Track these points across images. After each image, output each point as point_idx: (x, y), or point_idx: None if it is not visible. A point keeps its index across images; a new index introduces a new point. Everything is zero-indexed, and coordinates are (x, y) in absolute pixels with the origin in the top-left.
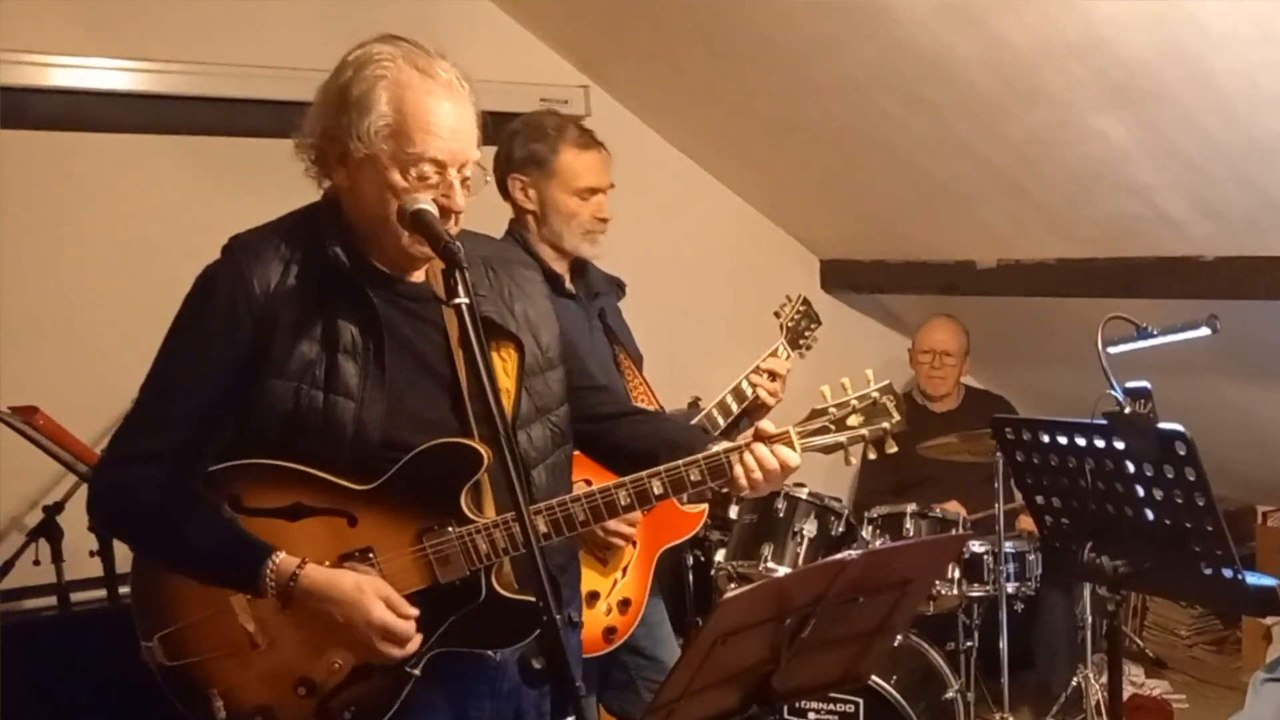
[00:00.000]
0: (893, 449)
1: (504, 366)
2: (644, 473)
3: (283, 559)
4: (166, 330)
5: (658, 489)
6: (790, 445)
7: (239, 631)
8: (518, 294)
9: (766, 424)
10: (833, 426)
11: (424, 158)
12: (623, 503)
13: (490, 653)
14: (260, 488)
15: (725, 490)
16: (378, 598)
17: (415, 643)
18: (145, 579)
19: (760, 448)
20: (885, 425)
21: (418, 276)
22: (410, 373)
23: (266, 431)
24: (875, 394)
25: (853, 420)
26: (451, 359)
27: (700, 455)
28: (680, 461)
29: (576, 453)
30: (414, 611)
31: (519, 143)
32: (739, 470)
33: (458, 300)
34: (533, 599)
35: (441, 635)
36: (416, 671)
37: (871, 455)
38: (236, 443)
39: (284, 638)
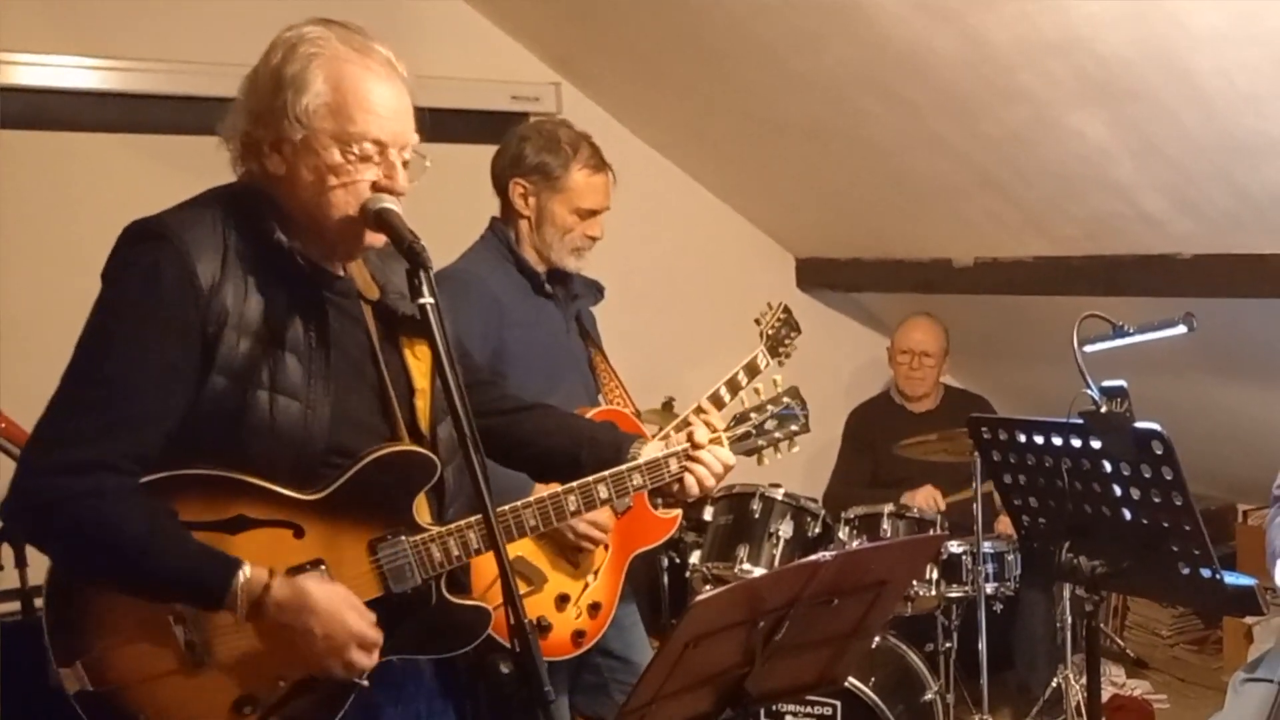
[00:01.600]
0: (796, 449)
1: (418, 366)
2: (590, 478)
3: (253, 571)
4: (97, 318)
5: (604, 493)
6: (722, 446)
7: (175, 651)
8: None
9: (700, 432)
10: (754, 431)
11: (365, 137)
12: (571, 508)
13: (394, 660)
14: (198, 500)
15: (671, 496)
16: (349, 606)
17: (375, 657)
18: (67, 598)
19: (704, 454)
20: (794, 429)
21: (339, 269)
22: (344, 371)
23: (204, 432)
24: (786, 399)
25: (769, 425)
26: (375, 358)
27: (643, 461)
28: (625, 467)
29: None
30: (373, 616)
31: (529, 149)
32: (690, 480)
33: (423, 300)
34: (481, 604)
35: (393, 644)
36: (365, 682)
37: (779, 456)
38: (172, 446)
39: (224, 656)
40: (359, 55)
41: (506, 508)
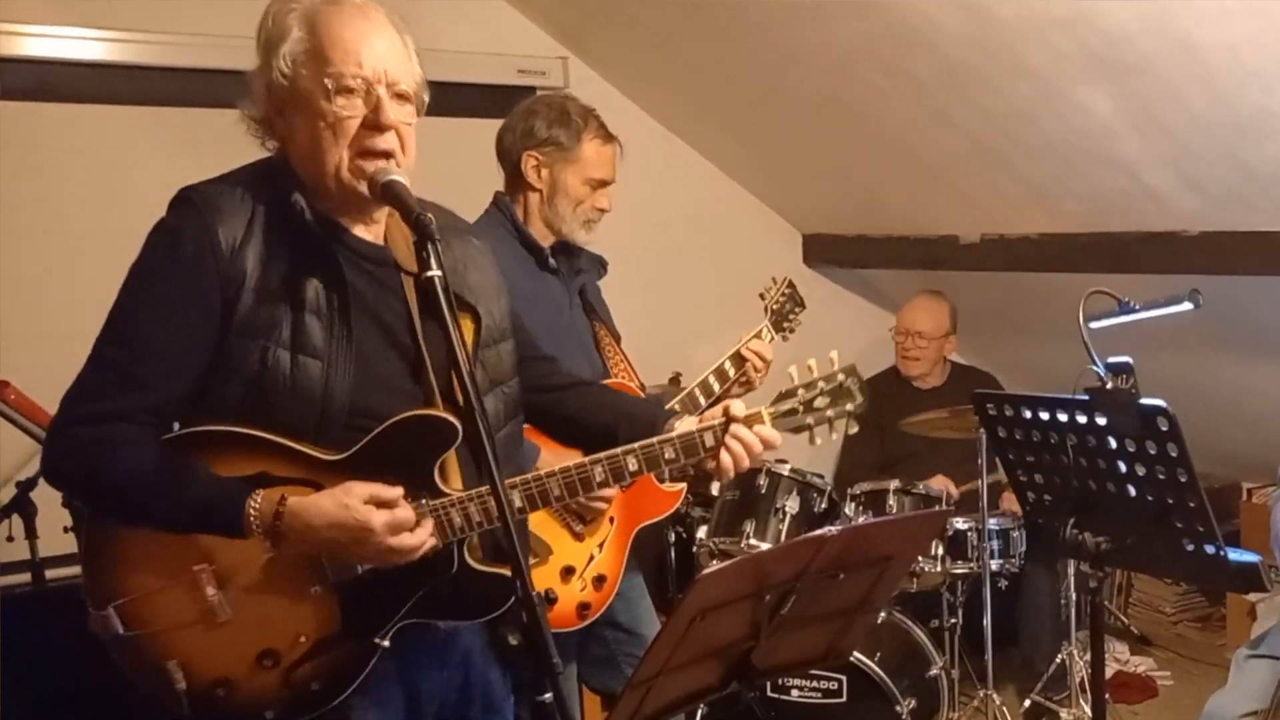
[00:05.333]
0: (854, 429)
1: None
2: (619, 449)
3: (264, 494)
4: (124, 282)
5: (633, 465)
6: (762, 423)
7: (201, 601)
8: (470, 264)
9: (738, 405)
10: (801, 408)
11: (344, 73)
12: (598, 479)
13: (439, 624)
14: (224, 456)
15: (702, 471)
16: (363, 502)
17: (426, 529)
18: (101, 545)
19: (743, 431)
20: (849, 408)
21: (376, 236)
22: (375, 337)
23: (228, 393)
24: (840, 376)
25: (819, 403)
26: (413, 329)
27: (676, 435)
28: (655, 439)
29: None
30: (400, 491)
31: (540, 122)
32: (726, 460)
33: (431, 273)
34: (504, 571)
35: (412, 607)
36: (385, 643)
37: (834, 436)
38: (199, 404)
39: (247, 609)
40: (333, 3)
41: (530, 476)
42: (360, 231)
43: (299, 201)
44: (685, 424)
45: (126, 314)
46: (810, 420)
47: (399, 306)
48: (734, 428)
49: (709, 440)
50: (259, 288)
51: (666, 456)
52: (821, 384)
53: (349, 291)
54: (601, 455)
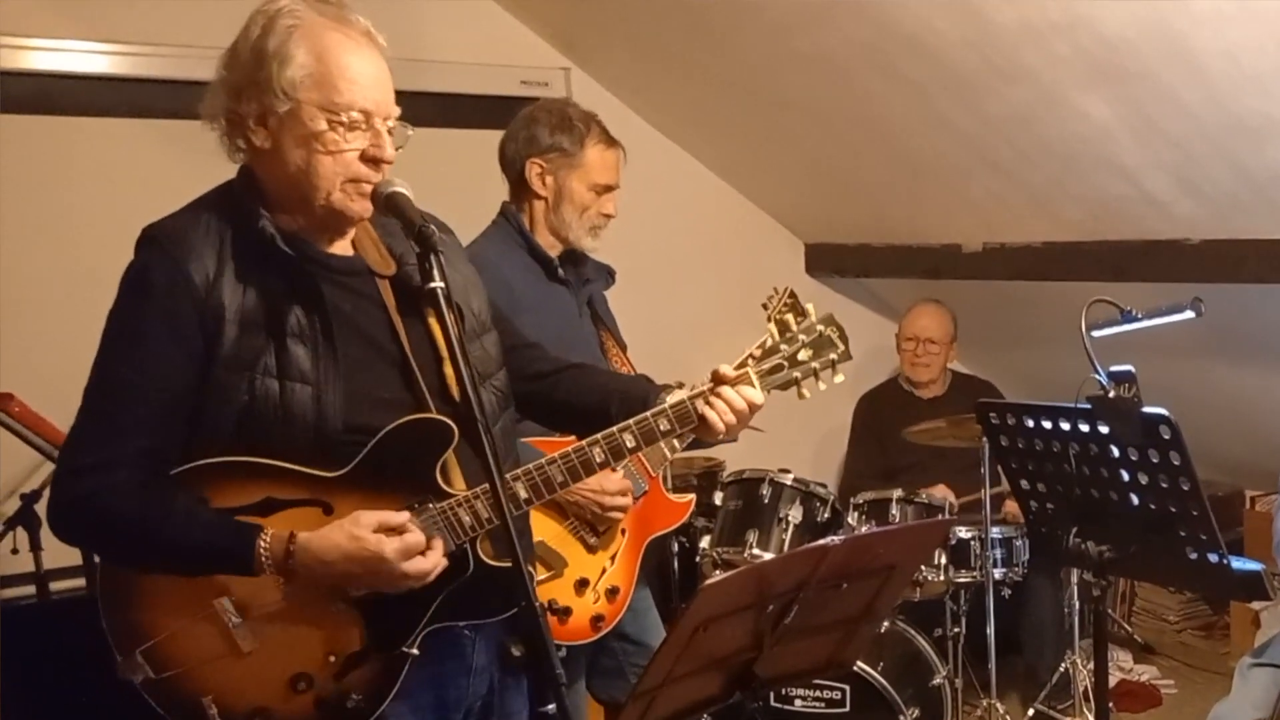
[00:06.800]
0: (840, 379)
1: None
2: (614, 428)
3: (274, 533)
4: (104, 330)
5: (630, 442)
6: (750, 385)
7: (225, 635)
8: (445, 262)
9: (725, 367)
10: (786, 364)
11: (352, 106)
12: (598, 459)
13: (465, 631)
14: (226, 487)
15: (697, 437)
16: (372, 531)
17: (438, 550)
18: (117, 592)
19: (728, 391)
20: (833, 356)
21: (344, 248)
22: (358, 351)
23: (222, 426)
24: (820, 327)
25: (803, 355)
26: (394, 333)
27: (668, 405)
28: (649, 413)
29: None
30: (406, 516)
31: (542, 130)
32: (712, 415)
33: (433, 285)
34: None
35: (436, 612)
36: (414, 650)
37: (822, 386)
38: (193, 441)
39: (272, 637)
40: (338, 25)
41: (532, 465)
42: (331, 248)
43: (267, 227)
44: (680, 396)
45: (104, 362)
46: (797, 374)
47: (378, 313)
48: (719, 389)
49: (700, 406)
50: (240, 319)
51: (662, 428)
52: (802, 337)
53: (330, 312)
54: (598, 435)
